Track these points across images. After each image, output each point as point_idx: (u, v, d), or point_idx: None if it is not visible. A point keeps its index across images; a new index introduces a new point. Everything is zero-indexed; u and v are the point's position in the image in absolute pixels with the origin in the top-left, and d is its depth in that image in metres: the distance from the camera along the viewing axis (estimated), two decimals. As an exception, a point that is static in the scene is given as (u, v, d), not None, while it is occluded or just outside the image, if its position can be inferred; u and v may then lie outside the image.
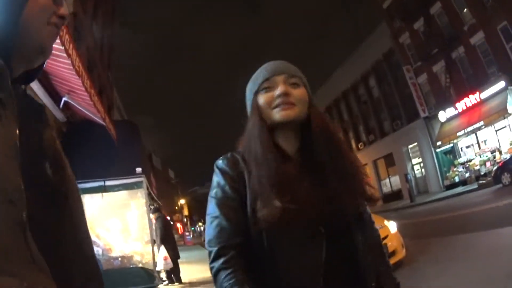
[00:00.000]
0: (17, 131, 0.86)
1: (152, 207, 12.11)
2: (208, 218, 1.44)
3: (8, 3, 0.99)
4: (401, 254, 8.07)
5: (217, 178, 1.48)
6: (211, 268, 1.35)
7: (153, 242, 11.22)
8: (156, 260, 11.05)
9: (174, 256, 11.60)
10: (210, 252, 1.37)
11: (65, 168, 1.12)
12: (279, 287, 1.34)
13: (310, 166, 1.43)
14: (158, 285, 11.13)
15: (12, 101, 0.86)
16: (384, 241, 7.68)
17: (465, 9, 26.67)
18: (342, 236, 1.39)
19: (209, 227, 1.41)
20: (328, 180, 1.40)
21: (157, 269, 11.07)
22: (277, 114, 1.44)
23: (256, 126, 1.46)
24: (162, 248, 11.21)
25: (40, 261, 0.86)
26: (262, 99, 1.48)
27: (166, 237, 11.54)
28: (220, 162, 1.51)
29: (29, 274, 0.79)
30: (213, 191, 1.47)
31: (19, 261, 0.79)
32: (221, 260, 1.32)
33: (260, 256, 1.36)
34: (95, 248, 9.75)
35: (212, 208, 1.44)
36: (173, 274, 11.69)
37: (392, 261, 7.61)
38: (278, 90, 1.44)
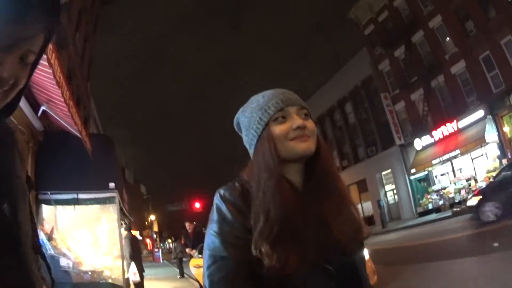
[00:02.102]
0: None
1: (124, 225, 12.28)
2: (209, 256, 1.30)
3: None
4: (373, 281, 8.06)
5: (222, 212, 1.33)
6: None
7: (123, 257, 11.13)
8: (125, 276, 11.07)
9: (139, 272, 12.00)
10: None
11: (25, 208, 0.98)
12: None
13: (314, 200, 1.37)
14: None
15: None
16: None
17: (448, 38, 27.18)
18: (349, 272, 1.36)
19: (213, 268, 1.28)
20: (330, 216, 1.35)
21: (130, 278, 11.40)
22: (298, 146, 1.36)
23: (269, 157, 1.36)
24: (132, 263, 11.59)
25: None
26: (277, 130, 1.38)
27: (133, 255, 11.80)
28: (225, 192, 1.37)
29: None
30: (216, 226, 1.32)
31: None
32: None
33: None
34: (66, 261, 9.64)
35: (217, 245, 1.30)
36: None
37: None
38: (296, 122, 1.37)
